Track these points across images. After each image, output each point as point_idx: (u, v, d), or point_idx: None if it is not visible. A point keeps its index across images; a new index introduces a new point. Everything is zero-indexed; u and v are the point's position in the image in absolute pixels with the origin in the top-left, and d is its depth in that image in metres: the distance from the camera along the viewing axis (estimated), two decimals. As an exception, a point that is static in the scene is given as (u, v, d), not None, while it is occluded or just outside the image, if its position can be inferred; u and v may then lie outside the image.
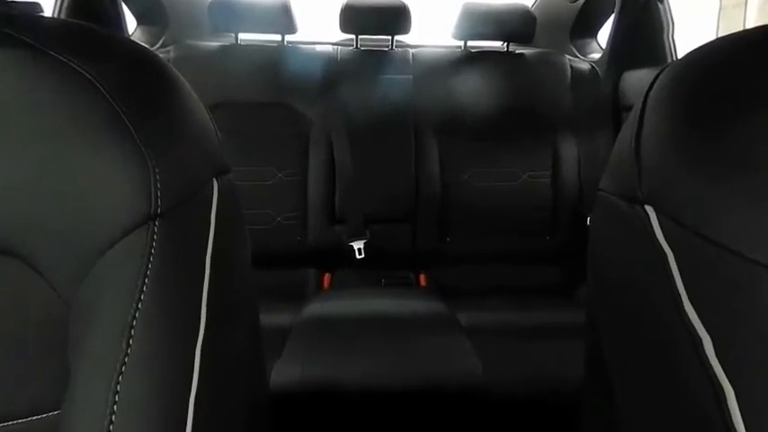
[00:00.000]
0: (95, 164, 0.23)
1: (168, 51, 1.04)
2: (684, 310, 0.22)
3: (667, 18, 1.05)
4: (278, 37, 1.07)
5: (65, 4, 0.87)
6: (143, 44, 0.34)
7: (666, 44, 1.05)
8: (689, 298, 0.22)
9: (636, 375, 0.27)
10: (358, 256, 1.01)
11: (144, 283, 0.23)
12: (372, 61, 1.10)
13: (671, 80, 0.27)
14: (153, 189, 0.24)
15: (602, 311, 0.31)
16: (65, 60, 0.24)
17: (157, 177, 0.24)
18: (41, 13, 0.30)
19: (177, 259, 0.25)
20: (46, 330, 0.25)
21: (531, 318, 0.86)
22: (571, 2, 1.22)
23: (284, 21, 1.03)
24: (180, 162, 0.27)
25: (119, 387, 0.21)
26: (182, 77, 0.31)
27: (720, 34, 0.27)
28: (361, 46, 1.12)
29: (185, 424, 0.23)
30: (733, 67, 0.23)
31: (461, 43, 1.13)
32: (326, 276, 1.06)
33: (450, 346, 0.72)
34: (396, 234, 1.05)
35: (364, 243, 1.01)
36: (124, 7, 1.07)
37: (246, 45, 1.07)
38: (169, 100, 0.28)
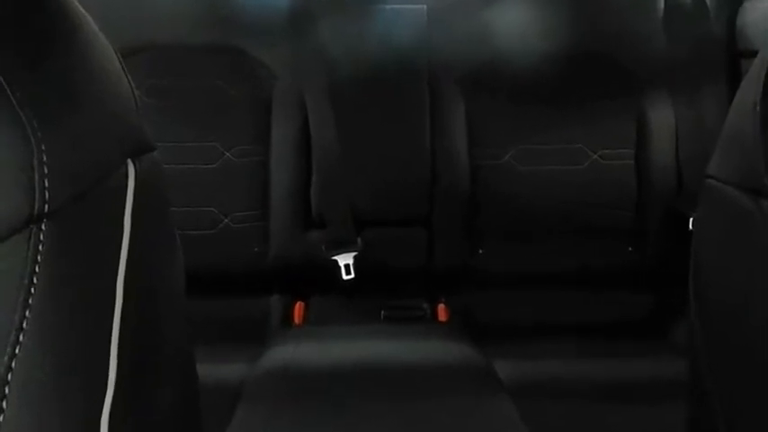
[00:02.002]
0: None
1: None
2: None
3: None
4: None
5: None
6: None
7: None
8: None
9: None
10: (345, 276, 1.01)
11: (23, 317, 0.23)
12: None
13: None
14: (38, 177, 0.24)
15: (712, 358, 0.31)
16: None
17: (44, 158, 0.24)
18: None
19: (73, 281, 0.25)
20: None
21: (603, 370, 0.86)
22: None
23: None
24: (79, 135, 0.27)
25: None
26: (82, 10, 0.31)
27: None
28: None
29: None
30: None
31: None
32: (298, 306, 1.06)
33: (484, 413, 0.73)
34: (401, 243, 1.06)
35: (354, 257, 1.01)
36: None
37: None
38: (61, 44, 0.28)
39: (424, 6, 1.08)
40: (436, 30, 1.08)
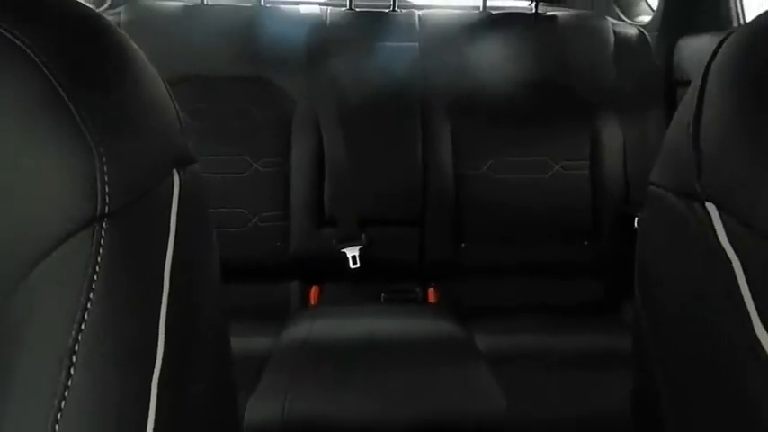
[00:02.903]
0: (26, 151, 0.23)
1: (118, 13, 1.04)
2: (755, 333, 0.22)
3: (733, -28, 1.05)
4: None
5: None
6: (87, 4, 0.35)
7: (732, 4, 1.05)
8: (760, 317, 0.22)
9: (698, 417, 0.27)
10: (352, 266, 1.01)
11: (88, 299, 0.23)
12: (370, 26, 1.10)
13: (738, 49, 0.27)
14: (99, 183, 0.24)
15: (653, 335, 0.31)
16: None
17: (105, 169, 0.24)
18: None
19: (129, 270, 0.25)
20: None
21: (566, 342, 0.86)
22: (615, -47, 1.23)
23: None
24: (133, 150, 0.27)
25: (57, 427, 0.21)
26: (134, 45, 0.31)
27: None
28: (355, 6, 1.13)
29: None
30: None
31: (479, 3, 1.13)
32: (313, 290, 1.06)
33: (467, 379, 0.72)
34: (398, 239, 1.05)
35: (360, 250, 1.01)
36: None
37: (215, 5, 1.08)
38: (119, 72, 0.28)
39: (417, 44, 1.08)
40: (427, 63, 1.07)
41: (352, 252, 1.01)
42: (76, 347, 0.22)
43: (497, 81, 1.06)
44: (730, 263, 0.24)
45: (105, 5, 1.17)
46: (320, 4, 1.22)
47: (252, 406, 0.65)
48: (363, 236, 1.03)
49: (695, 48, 1.05)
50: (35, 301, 0.23)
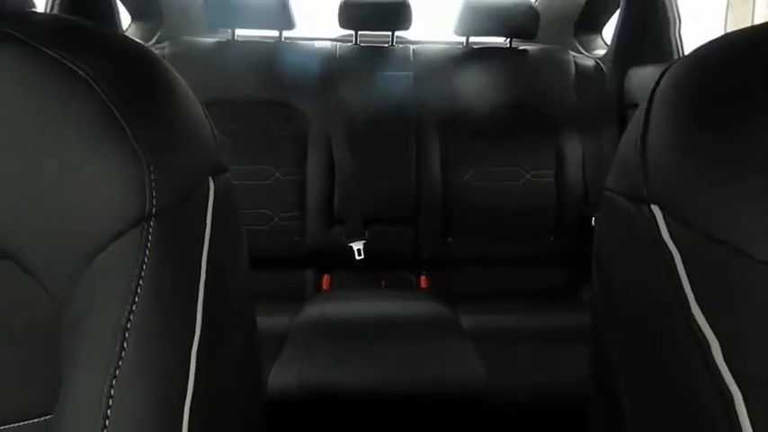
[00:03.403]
0: (88, 162, 0.23)
1: (163, 48, 1.04)
2: (692, 314, 0.22)
3: (674, 13, 1.05)
4: (275, 33, 1.07)
5: (57, 0, 0.87)
6: (137, 40, 0.35)
7: (673, 40, 1.05)
8: (696, 301, 0.22)
9: (642, 380, 0.27)
10: (357, 257, 1.01)
11: (138, 285, 0.23)
12: (372, 58, 1.10)
13: (678, 77, 0.27)
14: (148, 189, 0.24)
15: (608, 315, 0.31)
16: (56, 56, 0.24)
17: (152, 176, 0.24)
18: (32, 9, 0.30)
19: (172, 261, 0.25)
20: (38, 333, 0.25)
21: (536, 321, 0.86)
22: (576, -3, 1.22)
23: (282, 16, 1.03)
24: (175, 161, 0.27)
25: (112, 392, 0.21)
26: (177, 74, 0.31)
27: (729, 29, 0.27)
28: (360, 42, 1.12)
29: (180, 430, 0.23)
30: (743, 64, 0.23)
31: (463, 39, 1.13)
32: (325, 277, 1.05)
33: (452, 351, 0.72)
34: (396, 235, 1.05)
35: (363, 244, 1.01)
36: (118, 4, 1.08)
37: (243, 41, 1.07)
38: (164, 97, 0.28)
39: (411, 73, 1.08)
40: (420, 89, 1.07)
41: (357, 246, 1.01)
42: (128, 325, 0.22)
43: (478, 104, 1.06)
44: (671, 255, 0.24)
45: (152, 41, 1.17)
46: (331, 40, 1.22)
47: (274, 373, 0.65)
48: (367, 232, 1.03)
49: (642, 76, 1.05)
50: (95, 286, 0.23)
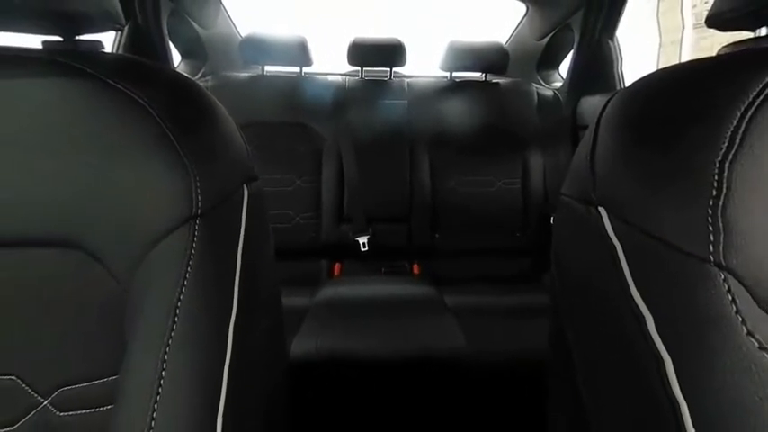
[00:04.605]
0: (147, 173, 0.23)
1: (207, 81, 1.04)
2: (631, 294, 0.22)
3: (616, 53, 1.05)
4: (297, 69, 1.07)
5: (122, 42, 0.87)
6: (186, 75, 0.34)
7: (616, 75, 1.05)
8: (635, 283, 0.22)
9: (591, 347, 0.27)
10: (362, 249, 1.01)
11: (187, 271, 0.23)
12: (374, 89, 1.10)
13: (619, 105, 0.27)
14: (194, 194, 0.24)
15: (563, 295, 0.31)
16: (121, 88, 0.24)
17: (197, 184, 0.24)
18: (102, 50, 0.30)
19: (214, 252, 0.25)
20: (106, 310, 0.25)
21: (506, 300, 0.86)
22: (537, 40, 1.22)
23: (302, 56, 1.04)
24: (216, 171, 0.27)
25: (166, 356, 0.21)
26: (218, 102, 0.31)
27: (660, 66, 0.27)
28: (365, 76, 1.12)
29: (221, 389, 0.23)
30: (671, 94, 0.23)
31: (448, 74, 1.13)
32: (337, 266, 1.05)
33: (438, 324, 0.72)
34: (394, 231, 1.05)
35: (367, 238, 1.01)
36: (171, 45, 1.08)
37: (271, 75, 1.08)
38: (207, 121, 0.28)
39: (406, 101, 1.08)
40: (413, 114, 1.07)
41: (362, 240, 1.01)
42: (179, 305, 0.22)
43: (460, 126, 1.06)
44: (615, 247, 0.24)
45: (198, 75, 1.17)
46: (341, 74, 1.22)
47: (295, 344, 0.65)
48: (370, 229, 1.02)
49: (591, 104, 1.05)
50: (152, 273, 0.23)
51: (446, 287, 0.91)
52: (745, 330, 0.18)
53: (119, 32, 0.87)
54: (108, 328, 0.25)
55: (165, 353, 0.21)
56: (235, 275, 0.26)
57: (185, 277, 0.23)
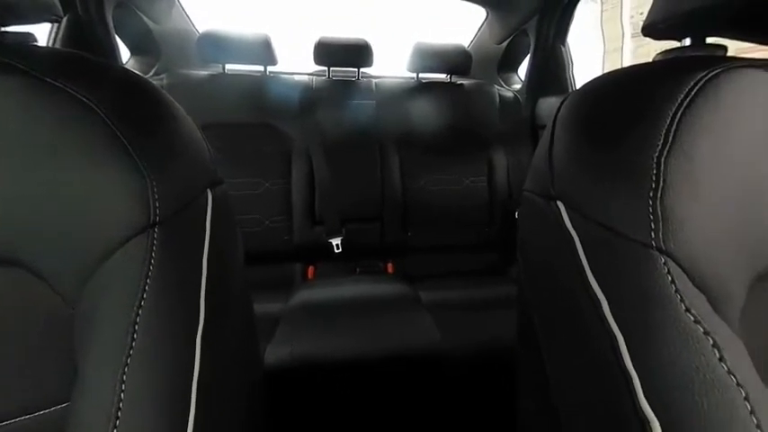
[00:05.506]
0: (96, 179, 0.21)
1: (161, 79, 0.97)
2: (588, 281, 0.23)
3: (568, 58, 1.12)
4: (260, 67, 1.03)
5: (59, 35, 0.78)
6: (137, 72, 0.32)
7: (568, 78, 1.12)
8: (591, 271, 0.24)
9: (554, 332, 0.28)
10: (336, 251, 1.00)
11: (146, 283, 0.21)
12: (342, 89, 1.08)
13: (571, 107, 0.29)
14: (151, 200, 0.22)
15: (529, 284, 0.32)
16: (61, 86, 0.21)
17: (155, 190, 0.22)
18: (35, 43, 0.27)
19: (176, 261, 0.23)
20: (51, 331, 0.23)
21: (476, 293, 0.88)
22: (497, 44, 1.27)
23: (266, 54, 1.00)
24: (176, 176, 0.25)
25: (125, 377, 0.20)
26: (174, 101, 0.29)
27: (606, 70, 0.29)
28: (332, 76, 1.11)
29: (189, 405, 0.21)
30: (615, 98, 0.26)
31: (414, 75, 1.14)
32: (310, 269, 1.03)
33: (413, 320, 0.73)
34: (367, 231, 1.05)
35: (341, 239, 1.00)
36: (118, 39, 0.99)
37: (233, 74, 1.02)
38: (163, 121, 0.26)
39: (374, 102, 1.08)
40: (381, 114, 1.07)
41: (335, 241, 1.00)
42: (138, 320, 0.21)
43: (427, 126, 1.07)
44: (572, 237, 0.25)
45: (151, 73, 1.08)
46: (308, 74, 1.19)
47: (269, 351, 0.63)
48: (343, 230, 1.01)
49: (548, 105, 1.11)
50: (106, 287, 0.21)
51: (420, 284, 0.92)
52: (683, 307, 0.20)
53: (55, 24, 0.78)
54: (54, 351, 0.23)
55: (124, 373, 0.20)
56: (201, 284, 0.25)
57: (144, 289, 0.21)
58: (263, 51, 0.99)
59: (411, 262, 1.07)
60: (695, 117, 0.21)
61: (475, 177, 1.08)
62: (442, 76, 1.17)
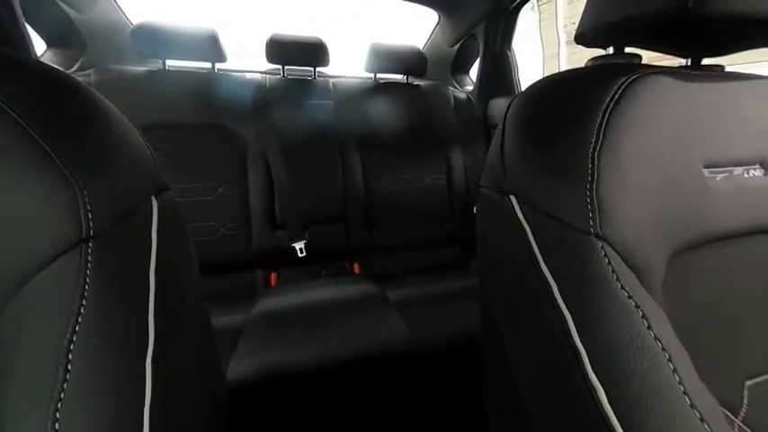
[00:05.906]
0: (12, 189, 0.18)
1: (88, 75, 0.86)
2: (540, 268, 0.26)
3: (514, 62, 1.21)
4: (208, 64, 0.97)
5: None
6: (55, 66, 0.28)
7: (515, 80, 1.21)
8: (542, 258, 0.26)
9: (513, 317, 0.30)
10: (300, 255, 0.97)
11: (81, 305, 0.19)
12: (298, 88, 1.05)
13: (519, 107, 0.31)
14: (82, 212, 0.20)
15: (488, 275, 0.34)
16: None
17: (86, 200, 0.20)
18: None
19: (117, 277, 0.21)
20: None
21: (441, 288, 0.90)
22: (449, 46, 1.33)
23: (213, 50, 0.93)
24: (111, 182, 0.22)
25: (58, 415, 0.17)
26: (106, 100, 0.26)
27: (545, 74, 0.32)
28: (287, 75, 1.07)
29: None
30: (554, 99, 0.28)
31: (372, 75, 1.15)
32: (273, 276, 0.99)
33: (382, 320, 0.73)
34: (331, 232, 1.03)
35: (304, 243, 0.97)
36: (30, 29, 0.86)
37: (175, 70, 0.94)
38: (92, 121, 0.23)
39: (332, 102, 1.07)
40: (340, 114, 1.06)
41: (299, 245, 0.97)
42: (71, 347, 0.18)
43: (386, 126, 1.08)
44: (525, 229, 0.27)
45: (74, 68, 0.96)
46: (261, 72, 1.14)
47: (233, 367, 0.59)
48: (306, 233, 0.99)
49: (498, 105, 1.17)
50: (28, 312, 0.18)
51: (387, 282, 0.93)
52: (619, 285, 0.22)
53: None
54: None
55: (57, 410, 0.17)
56: (149, 301, 0.23)
57: (79, 312, 0.19)
58: (210, 46, 0.93)
59: (377, 261, 1.07)
60: (619, 116, 0.24)
61: (434, 175, 1.11)
62: (399, 77, 1.18)
